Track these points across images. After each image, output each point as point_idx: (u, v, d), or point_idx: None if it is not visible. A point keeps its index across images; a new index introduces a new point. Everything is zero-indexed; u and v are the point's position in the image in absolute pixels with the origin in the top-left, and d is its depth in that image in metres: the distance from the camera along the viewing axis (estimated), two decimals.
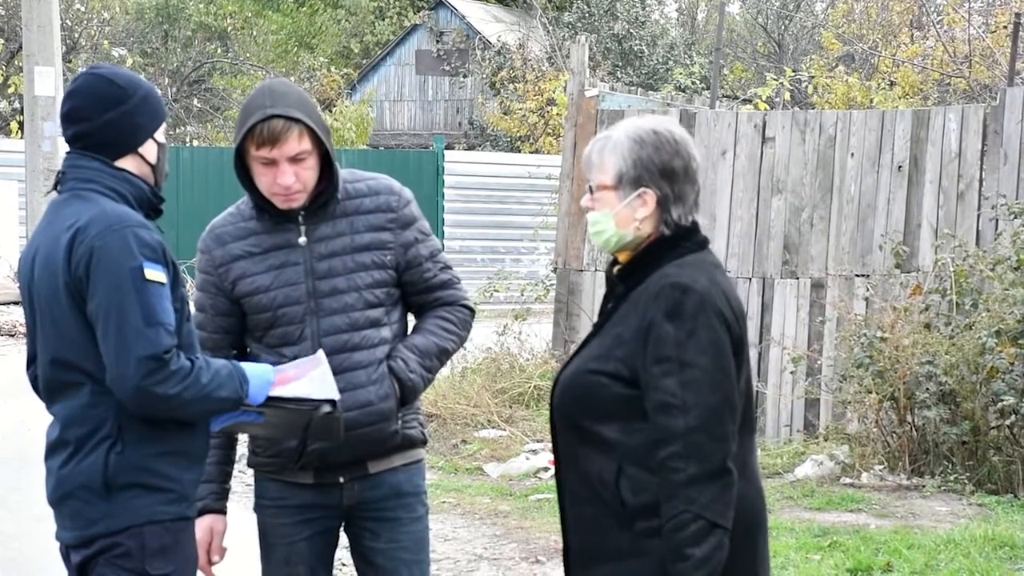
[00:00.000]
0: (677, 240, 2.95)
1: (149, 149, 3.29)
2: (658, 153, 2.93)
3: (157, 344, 3.06)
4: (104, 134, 3.24)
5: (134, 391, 3.06)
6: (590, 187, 2.99)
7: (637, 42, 32.08)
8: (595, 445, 2.91)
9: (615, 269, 3.02)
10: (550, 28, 29.24)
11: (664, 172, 2.93)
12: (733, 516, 2.80)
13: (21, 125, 20.12)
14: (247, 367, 3.27)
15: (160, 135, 3.33)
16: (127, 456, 3.16)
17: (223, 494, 3.67)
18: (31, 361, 3.36)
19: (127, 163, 3.27)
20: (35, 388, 3.40)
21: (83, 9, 32.68)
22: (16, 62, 26.42)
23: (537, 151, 24.96)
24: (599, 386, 2.90)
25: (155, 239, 3.15)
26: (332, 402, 3.32)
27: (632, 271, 2.97)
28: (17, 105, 26.41)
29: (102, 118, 3.23)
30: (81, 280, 3.12)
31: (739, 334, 2.89)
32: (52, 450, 3.26)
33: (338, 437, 3.38)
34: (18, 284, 3.40)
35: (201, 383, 3.12)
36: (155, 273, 3.11)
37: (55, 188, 3.30)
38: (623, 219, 2.94)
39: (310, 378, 3.32)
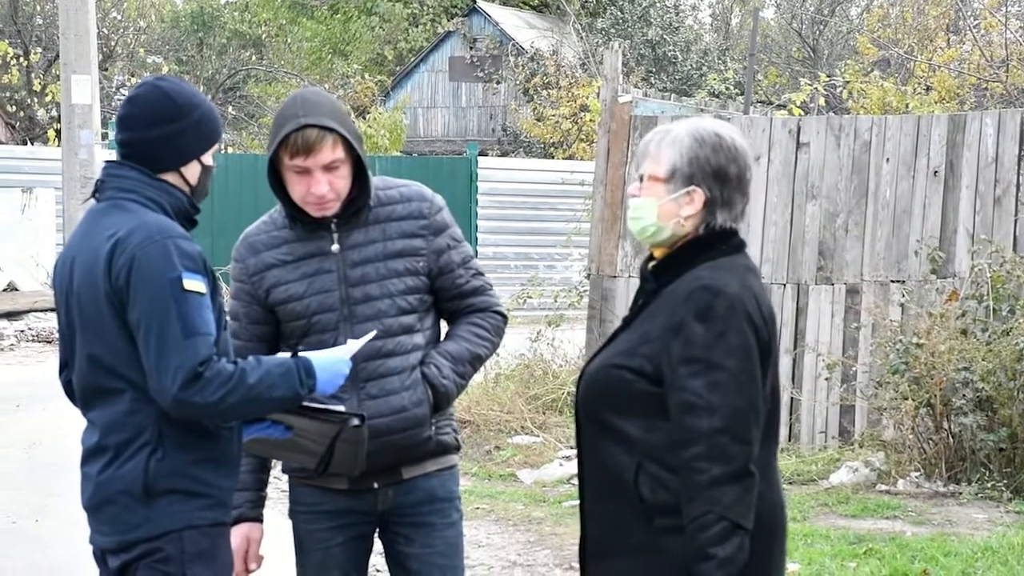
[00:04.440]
0: (712, 241, 2.95)
1: (192, 170, 3.30)
2: (716, 155, 2.94)
3: (195, 355, 3.07)
4: (148, 148, 3.25)
5: (174, 402, 3.08)
6: (640, 175, 3.00)
7: (671, 48, 32.04)
8: (616, 440, 2.93)
9: (649, 265, 3.03)
10: (583, 34, 29.24)
11: (717, 175, 2.94)
12: (754, 518, 2.81)
13: (58, 133, 20.29)
14: (318, 357, 3.26)
15: (208, 158, 3.32)
16: (167, 462, 3.18)
17: (259, 502, 3.68)
18: (64, 367, 3.39)
19: (167, 177, 3.27)
20: (68, 393, 3.42)
21: (119, 17, 32.92)
22: (53, 70, 26.64)
23: (571, 157, 24.93)
24: (623, 381, 2.91)
25: (195, 249, 3.16)
26: (361, 416, 3.34)
27: (665, 269, 2.98)
28: (55, 113, 26.64)
29: (151, 132, 3.24)
30: (122, 290, 3.13)
31: (767, 339, 2.89)
32: (90, 456, 3.27)
33: (360, 461, 3.38)
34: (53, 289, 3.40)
35: (247, 384, 3.11)
36: (194, 283, 3.13)
37: (94, 196, 3.31)
38: (667, 212, 2.95)
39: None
